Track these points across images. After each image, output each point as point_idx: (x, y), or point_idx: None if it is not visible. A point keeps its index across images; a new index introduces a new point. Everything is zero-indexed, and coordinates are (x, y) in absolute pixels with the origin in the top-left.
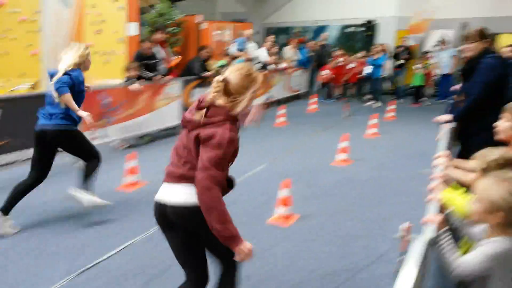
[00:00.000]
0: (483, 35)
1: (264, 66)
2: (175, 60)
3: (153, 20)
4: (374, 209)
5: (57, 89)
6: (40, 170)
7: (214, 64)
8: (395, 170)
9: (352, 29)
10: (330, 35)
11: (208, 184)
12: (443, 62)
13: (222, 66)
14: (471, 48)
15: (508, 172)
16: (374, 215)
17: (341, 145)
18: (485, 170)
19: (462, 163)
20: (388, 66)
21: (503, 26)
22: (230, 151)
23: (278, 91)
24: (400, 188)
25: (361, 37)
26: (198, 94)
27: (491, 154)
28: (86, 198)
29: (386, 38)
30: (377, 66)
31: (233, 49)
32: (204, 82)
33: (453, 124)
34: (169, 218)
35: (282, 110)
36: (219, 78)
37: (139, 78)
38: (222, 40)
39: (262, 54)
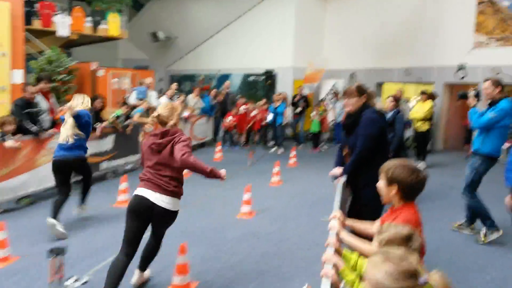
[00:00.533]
0: (361, 91)
1: None
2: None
3: (41, 68)
4: (277, 268)
5: None
6: None
7: (111, 114)
8: (298, 219)
9: (253, 78)
10: (233, 83)
11: (191, 158)
12: (338, 110)
13: (118, 117)
14: (351, 103)
15: (396, 250)
16: (277, 275)
17: (245, 196)
18: (379, 246)
19: (358, 224)
20: (288, 114)
21: (385, 76)
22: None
23: None
24: (303, 240)
25: (262, 85)
26: (92, 146)
27: (387, 229)
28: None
29: (285, 87)
30: (278, 113)
31: (132, 97)
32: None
33: (344, 177)
34: (148, 212)
35: None
36: (154, 114)
37: (20, 131)
38: (121, 88)
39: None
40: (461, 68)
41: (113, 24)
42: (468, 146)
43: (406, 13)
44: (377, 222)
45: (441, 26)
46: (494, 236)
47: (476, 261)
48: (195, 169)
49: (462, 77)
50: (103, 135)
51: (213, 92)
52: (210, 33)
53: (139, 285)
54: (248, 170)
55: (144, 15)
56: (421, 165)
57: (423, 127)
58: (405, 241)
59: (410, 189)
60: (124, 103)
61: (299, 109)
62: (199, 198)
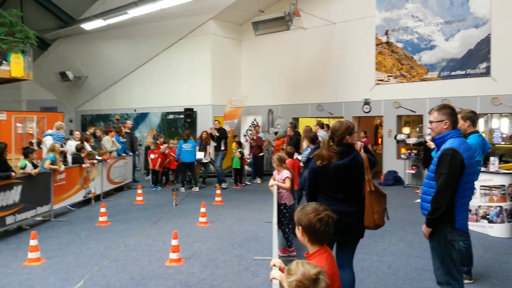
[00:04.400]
0: (294, 127)
1: (77, 160)
2: None
3: None
4: None
5: None
6: None
7: (18, 164)
8: (229, 261)
9: (173, 116)
10: (152, 122)
11: None
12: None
13: (24, 168)
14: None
15: None
16: None
17: (173, 243)
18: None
19: None
20: (209, 151)
21: (300, 111)
22: None
23: (98, 185)
24: (235, 283)
25: (182, 123)
26: None
27: (295, 271)
28: None
29: (205, 124)
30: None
31: (48, 143)
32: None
33: None
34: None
35: (103, 208)
36: None
37: None
38: (27, 132)
39: (71, 146)
40: (366, 102)
41: (16, 65)
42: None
43: (315, 53)
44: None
45: (346, 65)
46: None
47: None
48: None
49: (368, 111)
50: (7, 186)
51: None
52: (124, 72)
53: None
54: (173, 212)
55: (50, 54)
56: None
57: None
58: (313, 282)
59: (311, 231)
60: (31, 151)
61: (222, 146)
62: (122, 248)
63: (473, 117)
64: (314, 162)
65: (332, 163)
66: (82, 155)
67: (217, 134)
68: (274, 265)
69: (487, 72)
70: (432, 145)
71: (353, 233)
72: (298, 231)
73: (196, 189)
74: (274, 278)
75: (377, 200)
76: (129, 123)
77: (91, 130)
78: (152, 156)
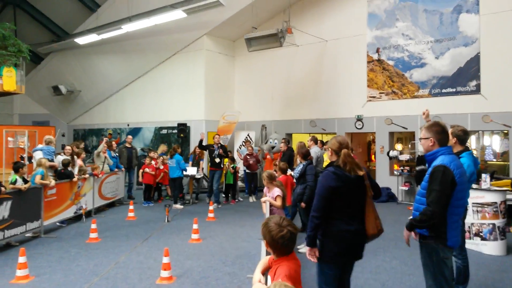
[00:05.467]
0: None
1: (68, 175)
2: None
3: None
4: None
5: None
6: None
7: (8, 179)
8: (221, 279)
9: (166, 131)
10: (145, 137)
11: None
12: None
13: (14, 183)
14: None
15: None
16: None
17: (164, 260)
18: None
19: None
20: (202, 166)
21: (293, 127)
22: None
23: (90, 200)
24: None
25: (175, 138)
26: None
27: None
28: None
29: (198, 139)
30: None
31: (38, 156)
32: None
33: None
34: None
35: (94, 224)
36: None
37: None
38: (18, 146)
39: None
40: (359, 119)
41: (8, 79)
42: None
43: (307, 69)
44: (264, 260)
45: (339, 81)
46: None
47: None
48: None
49: (361, 127)
50: None
51: (114, 146)
52: (117, 87)
53: None
54: (165, 229)
55: (43, 68)
56: None
57: None
58: None
59: (274, 246)
60: (20, 166)
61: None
62: (112, 266)
63: (461, 136)
64: (331, 179)
65: (353, 176)
66: (70, 169)
67: (221, 153)
68: (259, 281)
69: (477, 90)
70: None
71: (362, 251)
72: (264, 243)
73: (178, 206)
74: None
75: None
76: (130, 138)
77: (81, 145)
78: (147, 170)
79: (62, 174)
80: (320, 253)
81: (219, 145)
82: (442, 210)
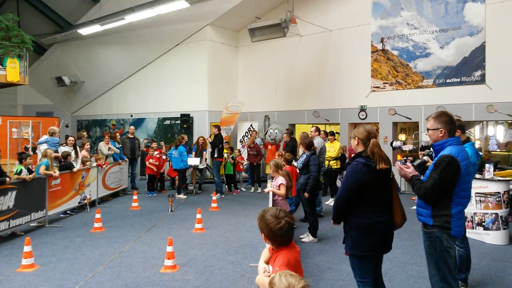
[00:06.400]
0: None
1: (68, 166)
2: None
3: None
4: None
5: None
6: None
7: (13, 169)
8: (224, 269)
9: (169, 121)
10: (149, 127)
11: None
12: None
13: (19, 173)
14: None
15: None
16: None
17: (168, 249)
18: None
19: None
20: (205, 156)
21: (296, 117)
22: None
23: (94, 190)
24: None
25: (178, 129)
26: None
27: (279, 285)
28: None
29: (201, 130)
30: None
31: (43, 148)
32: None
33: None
34: None
35: (98, 214)
36: None
37: None
38: (23, 137)
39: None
40: (362, 109)
41: (11, 70)
42: None
43: (311, 59)
44: (266, 250)
45: (342, 72)
46: None
47: None
48: None
49: (364, 118)
50: (2, 192)
51: (117, 137)
52: (120, 78)
53: None
54: (169, 218)
55: (47, 59)
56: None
57: (336, 165)
58: None
59: (273, 238)
60: (25, 157)
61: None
62: (117, 255)
63: (462, 125)
64: (363, 172)
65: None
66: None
67: (210, 141)
68: (264, 270)
69: (482, 80)
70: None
71: (392, 242)
72: (262, 236)
73: (181, 196)
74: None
75: None
76: (132, 128)
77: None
78: (150, 161)
79: (62, 166)
80: (355, 247)
81: (216, 135)
82: (432, 196)
